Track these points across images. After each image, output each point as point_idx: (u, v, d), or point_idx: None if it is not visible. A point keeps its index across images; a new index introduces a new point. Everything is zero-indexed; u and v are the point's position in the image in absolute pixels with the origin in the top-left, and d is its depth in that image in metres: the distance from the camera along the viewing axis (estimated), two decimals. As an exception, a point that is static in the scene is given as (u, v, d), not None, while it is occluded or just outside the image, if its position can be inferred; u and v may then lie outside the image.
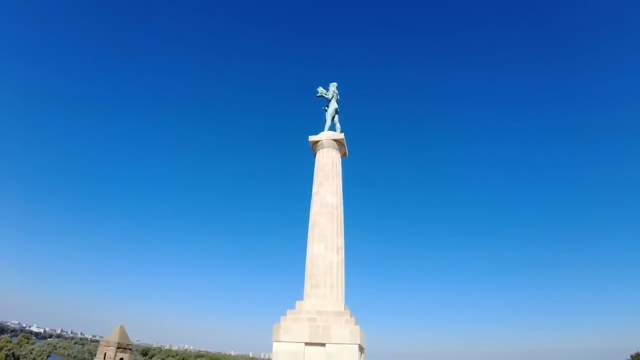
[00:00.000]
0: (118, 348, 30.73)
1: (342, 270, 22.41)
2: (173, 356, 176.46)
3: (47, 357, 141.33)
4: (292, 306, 21.52)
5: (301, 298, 22.22)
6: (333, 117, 27.61)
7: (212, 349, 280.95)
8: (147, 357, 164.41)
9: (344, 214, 24.37)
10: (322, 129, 26.91)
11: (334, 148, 25.82)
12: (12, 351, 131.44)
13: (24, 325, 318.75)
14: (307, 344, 19.42)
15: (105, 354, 30.27)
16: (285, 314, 21.10)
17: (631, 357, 50.63)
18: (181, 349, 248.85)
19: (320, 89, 28.24)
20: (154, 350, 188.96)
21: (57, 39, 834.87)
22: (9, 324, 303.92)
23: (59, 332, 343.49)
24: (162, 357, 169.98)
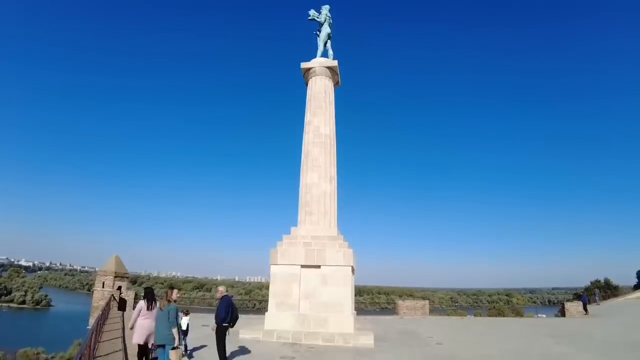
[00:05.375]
0: (115, 277, 31.68)
1: (334, 198, 22.91)
2: (162, 283, 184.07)
3: (40, 288, 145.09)
4: (287, 232, 22.20)
5: (295, 225, 22.84)
6: (325, 43, 26.29)
7: (200, 274, 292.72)
8: (136, 284, 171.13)
9: (337, 144, 24.37)
10: (315, 56, 25.79)
11: (326, 76, 24.97)
12: (3, 285, 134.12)
13: (12, 260, 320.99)
14: (303, 266, 20.33)
15: (103, 282, 31.21)
16: (281, 240, 21.82)
17: (590, 283, 55.48)
18: (169, 276, 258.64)
19: (312, 12, 26.51)
20: (143, 278, 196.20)
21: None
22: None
23: (47, 264, 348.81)
24: (150, 283, 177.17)
